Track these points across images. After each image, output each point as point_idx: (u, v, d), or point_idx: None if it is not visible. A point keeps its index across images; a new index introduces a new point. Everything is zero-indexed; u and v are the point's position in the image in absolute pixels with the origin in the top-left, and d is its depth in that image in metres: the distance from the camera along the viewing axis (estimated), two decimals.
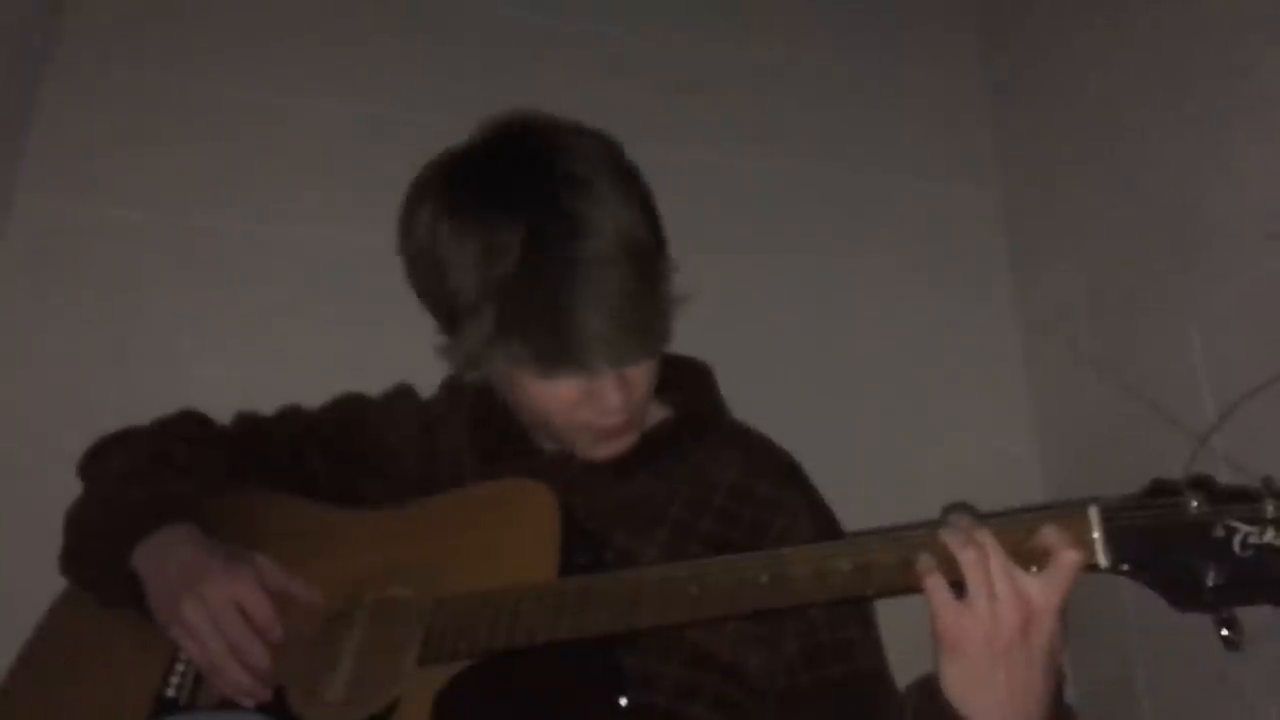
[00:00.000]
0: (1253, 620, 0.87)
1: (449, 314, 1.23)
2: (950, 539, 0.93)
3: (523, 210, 1.18)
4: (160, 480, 1.29)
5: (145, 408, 1.44)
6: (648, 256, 1.20)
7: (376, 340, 1.56)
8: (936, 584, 0.92)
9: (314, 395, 1.49)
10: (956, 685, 0.93)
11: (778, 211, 1.91)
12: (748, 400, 1.43)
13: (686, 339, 1.47)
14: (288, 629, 1.17)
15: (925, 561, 0.93)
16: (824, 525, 1.30)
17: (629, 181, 1.26)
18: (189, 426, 1.42)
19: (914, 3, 2.12)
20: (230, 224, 1.73)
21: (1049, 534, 0.91)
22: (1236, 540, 0.85)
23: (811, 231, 1.91)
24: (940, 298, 1.90)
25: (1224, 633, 0.86)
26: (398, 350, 1.39)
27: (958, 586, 0.92)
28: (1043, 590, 0.90)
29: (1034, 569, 0.91)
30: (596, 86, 1.89)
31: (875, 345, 1.86)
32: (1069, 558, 0.90)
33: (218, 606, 1.13)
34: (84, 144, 1.71)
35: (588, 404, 1.21)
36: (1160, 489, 0.90)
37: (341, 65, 1.84)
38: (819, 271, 1.88)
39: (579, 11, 1.96)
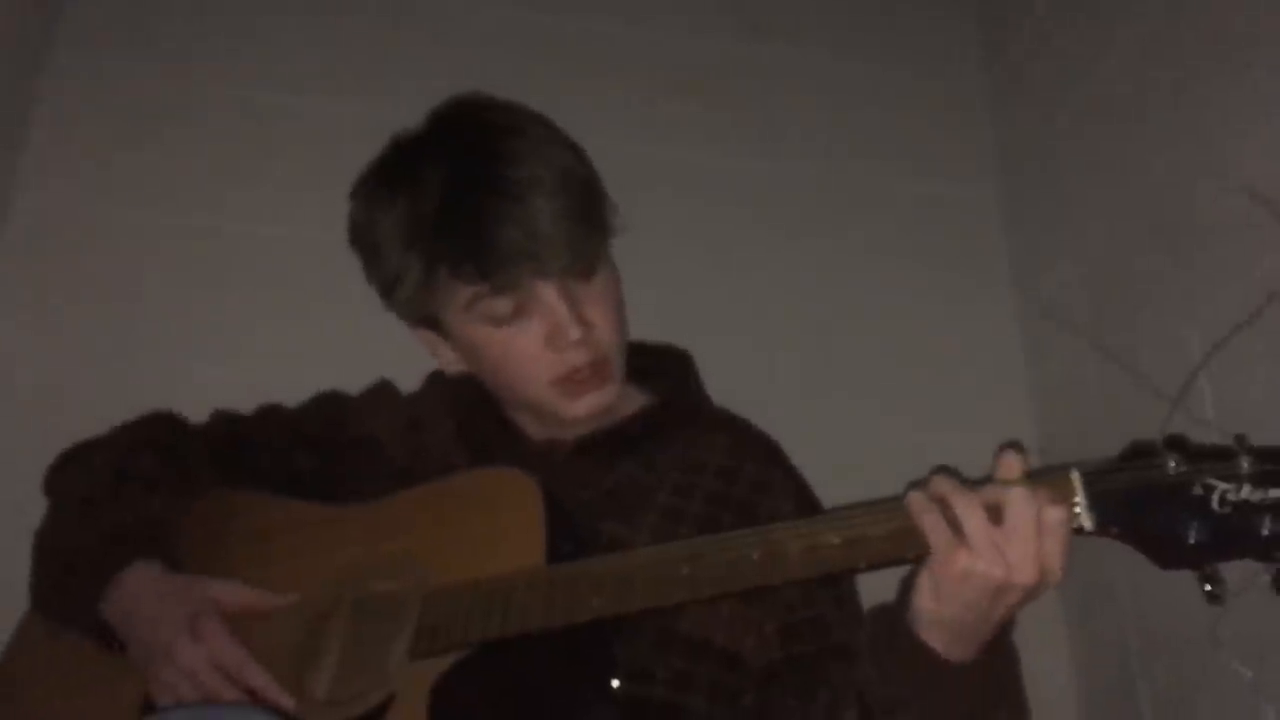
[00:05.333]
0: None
1: (387, 273, 1.26)
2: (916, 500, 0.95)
3: (444, 155, 1.24)
4: (121, 505, 1.26)
5: (145, 408, 1.43)
6: (574, 184, 1.23)
7: (377, 340, 1.55)
8: (933, 522, 0.93)
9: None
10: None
11: (778, 211, 1.91)
12: (750, 396, 1.43)
13: (687, 337, 1.48)
14: (272, 631, 1.16)
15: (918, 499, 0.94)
16: (807, 507, 1.30)
17: (556, 129, 1.30)
18: (158, 430, 1.40)
19: (914, 2, 2.12)
20: (230, 224, 1.73)
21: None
22: (1215, 497, 0.86)
23: (812, 230, 1.91)
24: (941, 296, 1.90)
25: (1207, 588, 0.87)
26: (397, 350, 1.39)
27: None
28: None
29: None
30: (596, 86, 1.89)
31: (876, 343, 1.85)
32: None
33: (193, 671, 1.11)
34: (83, 144, 1.72)
35: (550, 349, 1.21)
36: (1138, 450, 0.91)
37: (341, 65, 1.84)
38: (820, 270, 1.88)
39: (578, 10, 1.97)
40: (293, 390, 1.48)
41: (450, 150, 1.24)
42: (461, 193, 1.20)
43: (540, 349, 1.22)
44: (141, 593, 1.18)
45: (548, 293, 1.20)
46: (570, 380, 1.23)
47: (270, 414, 1.45)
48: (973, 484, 0.95)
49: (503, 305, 1.21)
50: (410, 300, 1.26)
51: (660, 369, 1.40)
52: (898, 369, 1.84)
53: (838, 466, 1.40)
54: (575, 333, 1.20)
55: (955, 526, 0.92)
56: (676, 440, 1.32)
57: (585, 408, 1.25)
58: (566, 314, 1.20)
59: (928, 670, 0.96)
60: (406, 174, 1.25)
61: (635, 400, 1.35)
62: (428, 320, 1.29)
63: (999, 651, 0.98)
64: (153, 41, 1.79)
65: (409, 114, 1.34)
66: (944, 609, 0.94)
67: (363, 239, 1.30)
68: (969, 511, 0.91)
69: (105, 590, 1.18)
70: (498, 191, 1.19)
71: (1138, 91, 1.61)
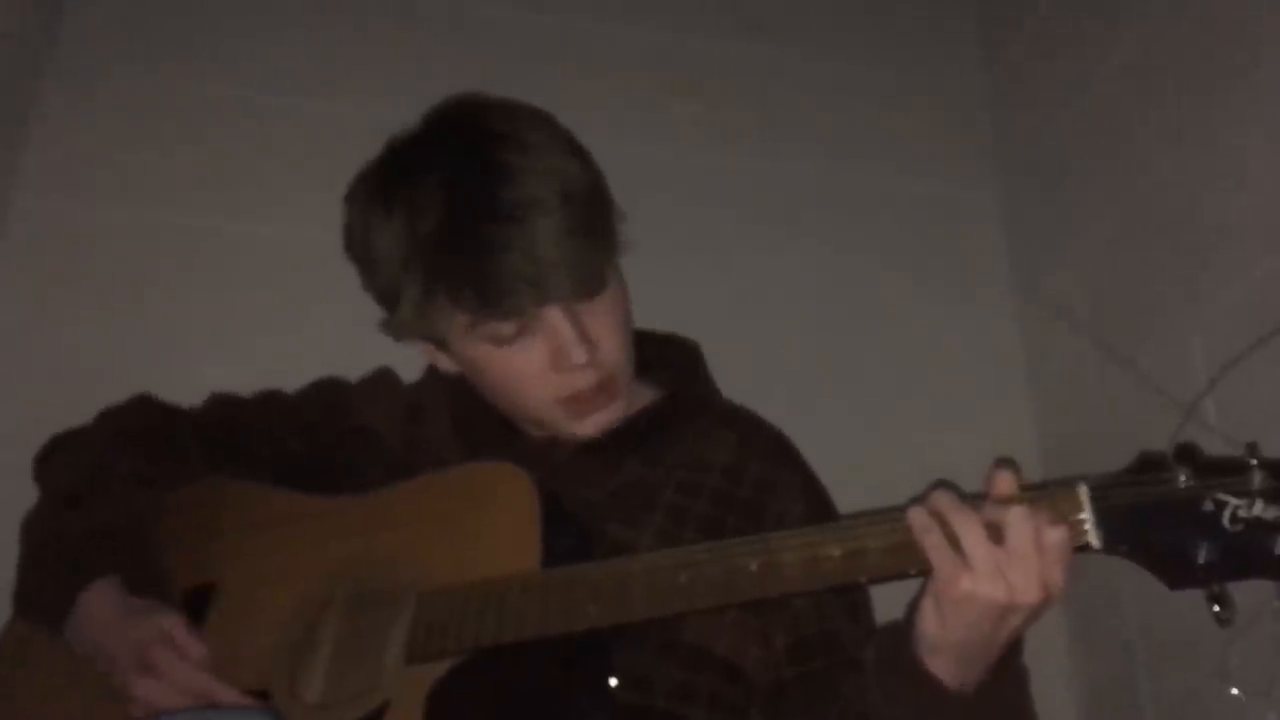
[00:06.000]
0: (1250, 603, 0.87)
1: (384, 289, 1.22)
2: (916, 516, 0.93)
3: (444, 167, 1.18)
4: (111, 501, 1.24)
5: None
6: (578, 199, 1.17)
7: (377, 340, 1.56)
8: (935, 542, 0.92)
9: None
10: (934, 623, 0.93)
11: (778, 211, 1.91)
12: (750, 396, 1.43)
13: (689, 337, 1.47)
14: (266, 628, 1.16)
15: (920, 518, 0.93)
16: (818, 504, 1.28)
17: (558, 132, 1.25)
18: (147, 417, 1.38)
19: (914, 2, 2.12)
20: (230, 224, 1.73)
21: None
22: (1226, 514, 0.83)
23: (812, 230, 1.91)
24: (941, 296, 1.90)
25: (1215, 609, 0.85)
26: (398, 350, 1.39)
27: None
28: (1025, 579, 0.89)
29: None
30: (596, 86, 1.89)
31: (876, 344, 1.85)
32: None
33: (159, 704, 1.09)
34: (83, 144, 1.71)
35: (555, 371, 1.18)
36: (1147, 463, 0.89)
37: (341, 65, 1.84)
38: (819, 271, 1.88)
39: (578, 10, 1.96)
40: (293, 390, 1.48)
41: (448, 163, 1.19)
42: (460, 214, 1.15)
43: (544, 369, 1.19)
44: (99, 620, 1.16)
45: (552, 314, 1.16)
46: (576, 401, 1.21)
47: (269, 399, 1.44)
48: (973, 499, 0.94)
49: (506, 327, 1.16)
50: (410, 323, 1.21)
51: (665, 359, 1.37)
52: (898, 369, 1.84)
53: (838, 467, 1.39)
54: (581, 355, 1.16)
55: (957, 546, 0.90)
56: (684, 435, 1.29)
57: (594, 426, 1.23)
58: (572, 335, 1.16)
59: (931, 697, 0.95)
60: (403, 188, 1.20)
61: (642, 395, 1.32)
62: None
63: (1006, 673, 0.97)
64: (153, 42, 1.79)
65: (409, 114, 1.33)
66: (948, 633, 0.92)
67: (358, 251, 1.26)
68: (969, 531, 0.90)
69: (77, 598, 1.16)
70: (497, 214, 1.13)
71: (1140, 91, 1.61)
